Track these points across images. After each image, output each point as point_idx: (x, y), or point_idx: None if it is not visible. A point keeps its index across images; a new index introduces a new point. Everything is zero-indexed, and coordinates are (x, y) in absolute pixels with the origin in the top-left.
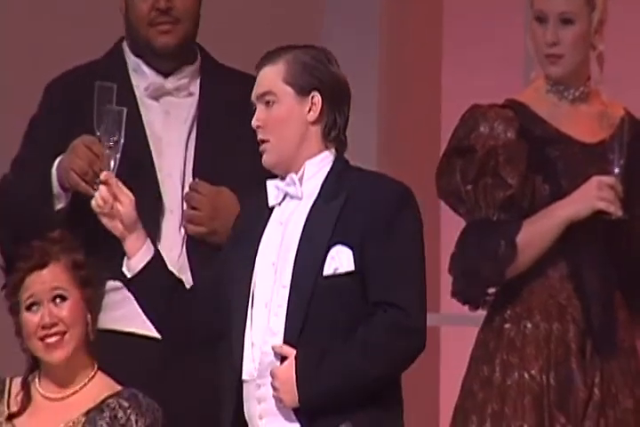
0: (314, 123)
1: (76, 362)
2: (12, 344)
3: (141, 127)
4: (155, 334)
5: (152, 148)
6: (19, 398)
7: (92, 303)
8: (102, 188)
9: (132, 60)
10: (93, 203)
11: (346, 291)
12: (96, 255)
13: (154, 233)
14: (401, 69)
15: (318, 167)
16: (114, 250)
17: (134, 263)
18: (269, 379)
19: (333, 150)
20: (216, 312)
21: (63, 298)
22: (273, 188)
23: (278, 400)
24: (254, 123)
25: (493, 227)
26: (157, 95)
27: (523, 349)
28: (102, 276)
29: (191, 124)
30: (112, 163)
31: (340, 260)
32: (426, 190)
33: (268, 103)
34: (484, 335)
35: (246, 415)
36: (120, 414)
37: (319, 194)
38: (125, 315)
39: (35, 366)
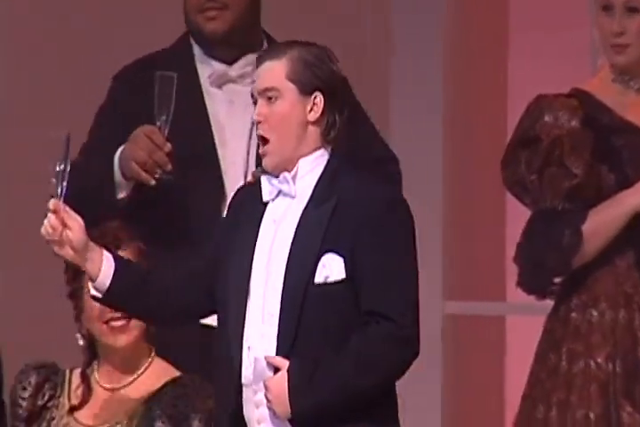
0: (314, 123)
1: (136, 350)
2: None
3: (205, 117)
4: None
5: (215, 137)
6: (79, 391)
7: None
8: (50, 216)
9: (197, 49)
10: (42, 231)
11: (338, 298)
12: (154, 247)
13: (215, 219)
14: (466, 59)
15: (312, 166)
16: (171, 242)
17: (100, 285)
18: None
19: (329, 148)
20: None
21: None
22: (267, 183)
23: (272, 411)
24: (255, 117)
25: (558, 216)
26: (221, 83)
27: (588, 337)
28: None
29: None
30: (58, 189)
31: (330, 268)
32: (491, 180)
33: (270, 99)
34: (551, 324)
35: (246, 418)
36: (178, 401)
37: (312, 195)
38: None
39: (92, 357)
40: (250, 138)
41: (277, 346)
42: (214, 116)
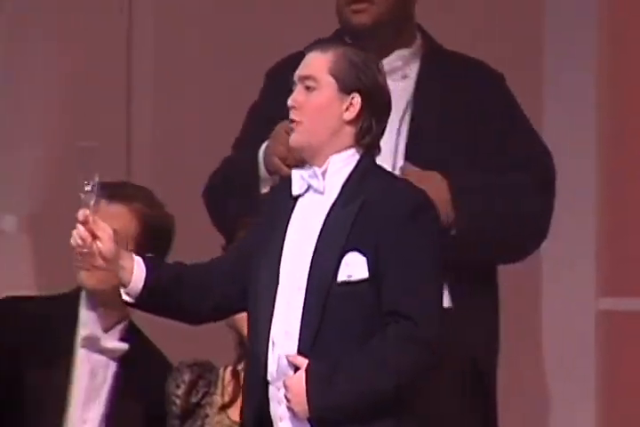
0: (349, 123)
1: None
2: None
3: None
4: None
5: None
6: (230, 388)
7: None
8: (79, 227)
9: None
10: (72, 242)
11: (361, 298)
12: None
13: None
14: (621, 60)
15: (343, 164)
16: None
17: (133, 289)
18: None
19: (361, 150)
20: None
21: None
22: (298, 177)
23: (291, 410)
24: (290, 102)
25: None
26: None
27: None
28: None
29: (405, 108)
30: (89, 201)
31: (353, 267)
32: None
33: (308, 88)
34: None
35: (271, 415)
36: None
37: (339, 194)
38: None
39: (243, 354)
40: (398, 134)
41: (299, 344)
42: None
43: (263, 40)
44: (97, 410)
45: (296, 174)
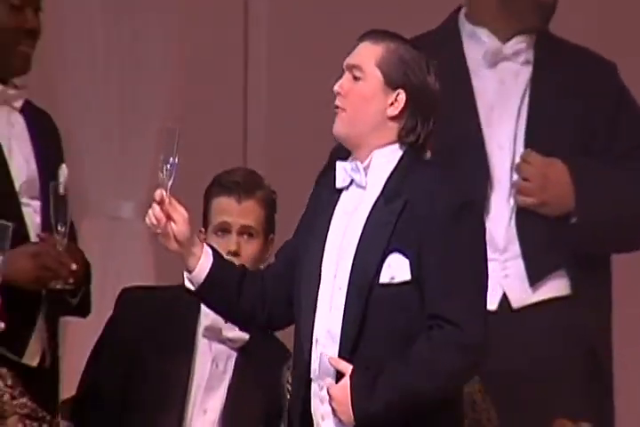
0: (392, 119)
1: None
2: None
3: (471, 97)
4: None
5: (482, 118)
6: None
7: None
8: (155, 206)
9: (467, 28)
10: (147, 220)
11: (404, 300)
12: None
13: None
14: None
15: (385, 159)
16: None
17: (196, 277)
18: (329, 382)
19: (404, 147)
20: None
21: None
22: (342, 170)
23: (337, 419)
24: (336, 88)
25: None
26: (495, 61)
27: None
28: None
29: (523, 94)
30: (167, 181)
31: (396, 269)
32: None
33: (355, 78)
34: None
35: (312, 411)
36: None
37: (382, 191)
38: None
39: None
40: (518, 119)
41: (340, 345)
42: (481, 96)
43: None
44: (218, 399)
45: (340, 167)
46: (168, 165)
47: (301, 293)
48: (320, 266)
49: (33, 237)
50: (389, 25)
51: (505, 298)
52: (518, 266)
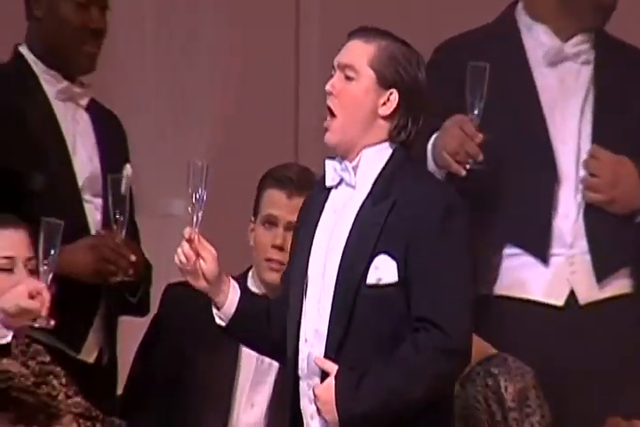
0: (384, 118)
1: None
2: None
3: (535, 94)
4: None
5: (546, 115)
6: None
7: None
8: (184, 244)
9: (526, 22)
10: (176, 259)
11: (390, 301)
12: None
13: (548, 200)
14: None
15: (376, 157)
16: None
17: (226, 312)
18: (315, 381)
19: (394, 144)
20: None
21: None
22: (331, 169)
23: (323, 419)
24: (328, 88)
25: None
26: (556, 60)
27: None
28: None
29: (586, 93)
30: (195, 219)
31: (383, 270)
32: None
33: (347, 77)
34: None
35: (302, 410)
36: (490, 381)
37: (371, 189)
38: (521, 281)
39: None
40: (581, 117)
41: (326, 344)
42: (544, 93)
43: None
44: (265, 394)
45: (329, 166)
46: (197, 203)
47: (291, 292)
48: (307, 265)
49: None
50: (439, 17)
51: (572, 294)
52: (586, 262)
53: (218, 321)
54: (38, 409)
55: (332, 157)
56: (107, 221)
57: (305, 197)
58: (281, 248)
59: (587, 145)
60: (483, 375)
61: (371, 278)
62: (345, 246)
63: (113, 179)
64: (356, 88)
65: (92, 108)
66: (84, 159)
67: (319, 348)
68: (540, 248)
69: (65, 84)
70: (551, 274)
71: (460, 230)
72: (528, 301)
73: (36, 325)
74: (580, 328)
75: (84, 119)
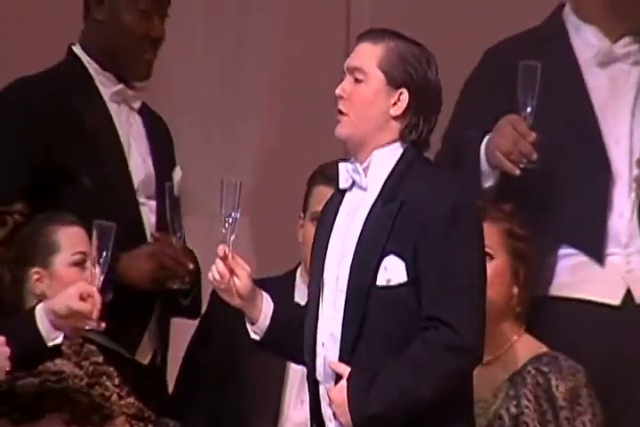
0: (395, 118)
1: (496, 323)
2: None
3: (586, 94)
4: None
5: (598, 114)
6: None
7: (521, 279)
8: (218, 262)
9: (574, 22)
10: (210, 277)
11: (401, 302)
12: None
13: (602, 199)
14: None
15: (386, 158)
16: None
17: (261, 325)
18: (330, 384)
19: (405, 144)
20: None
21: (490, 256)
22: (344, 171)
23: (338, 422)
24: (338, 92)
25: None
26: (606, 61)
27: None
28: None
29: (636, 95)
30: (228, 236)
31: (392, 271)
32: None
33: (356, 80)
34: None
35: (322, 413)
36: (541, 379)
37: (381, 190)
38: (576, 281)
39: None
40: (632, 117)
41: (340, 347)
42: (595, 93)
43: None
44: None
45: (342, 168)
46: (230, 219)
47: (308, 296)
48: (323, 267)
49: (148, 237)
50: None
51: (629, 293)
52: None
53: (253, 336)
54: (92, 410)
55: (347, 160)
56: (160, 225)
57: None
58: None
59: (639, 145)
60: (533, 374)
61: (380, 280)
62: (355, 249)
63: (169, 186)
64: (366, 90)
65: (143, 112)
66: (139, 162)
67: (334, 351)
68: (595, 248)
69: (120, 86)
70: (607, 274)
71: (469, 229)
72: (584, 301)
73: (87, 327)
74: (638, 327)
75: (137, 122)
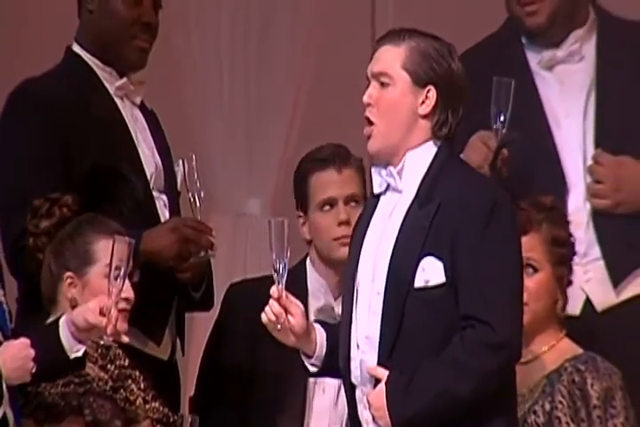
0: (424, 116)
1: (539, 331)
2: None
3: (537, 100)
4: None
5: (550, 120)
6: None
7: (564, 283)
8: (273, 303)
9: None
10: (264, 318)
11: (439, 302)
12: None
13: None
14: None
15: (419, 160)
16: None
17: (318, 356)
18: (368, 388)
19: (438, 142)
20: None
21: (535, 269)
22: (377, 175)
23: (377, 425)
24: (365, 99)
25: None
26: (551, 65)
27: None
28: None
29: (588, 92)
30: (280, 278)
31: (429, 272)
32: None
33: (382, 84)
34: None
35: (359, 417)
36: (577, 378)
37: (417, 192)
38: None
39: None
40: (585, 117)
41: (379, 350)
42: (546, 98)
43: None
44: (336, 380)
45: (375, 172)
46: (282, 265)
47: (342, 300)
48: (356, 271)
49: None
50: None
51: (588, 302)
52: (600, 269)
53: (311, 369)
54: (115, 414)
55: (378, 165)
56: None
57: (352, 169)
58: (348, 222)
59: (591, 148)
60: (570, 371)
61: (418, 281)
62: (393, 251)
63: (186, 159)
64: (393, 93)
65: (142, 107)
66: (149, 155)
67: (371, 354)
68: None
69: (123, 80)
70: None
71: (506, 228)
72: None
73: (101, 342)
74: (601, 334)
75: (140, 117)
